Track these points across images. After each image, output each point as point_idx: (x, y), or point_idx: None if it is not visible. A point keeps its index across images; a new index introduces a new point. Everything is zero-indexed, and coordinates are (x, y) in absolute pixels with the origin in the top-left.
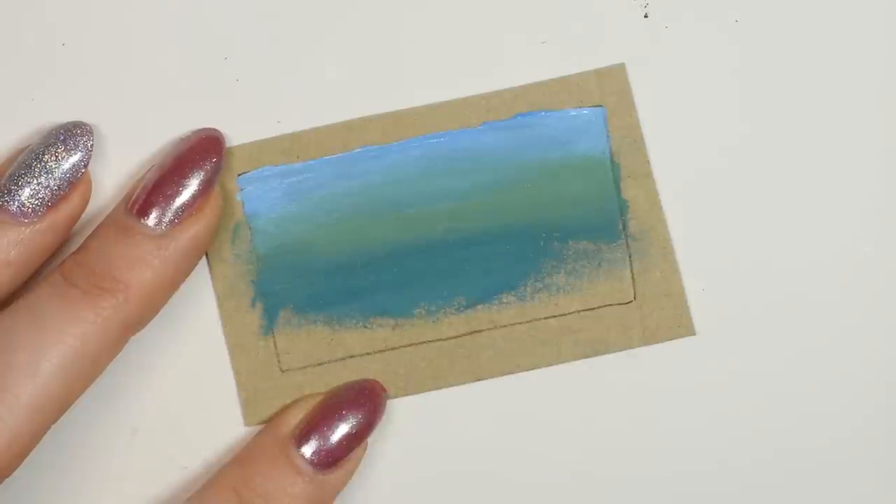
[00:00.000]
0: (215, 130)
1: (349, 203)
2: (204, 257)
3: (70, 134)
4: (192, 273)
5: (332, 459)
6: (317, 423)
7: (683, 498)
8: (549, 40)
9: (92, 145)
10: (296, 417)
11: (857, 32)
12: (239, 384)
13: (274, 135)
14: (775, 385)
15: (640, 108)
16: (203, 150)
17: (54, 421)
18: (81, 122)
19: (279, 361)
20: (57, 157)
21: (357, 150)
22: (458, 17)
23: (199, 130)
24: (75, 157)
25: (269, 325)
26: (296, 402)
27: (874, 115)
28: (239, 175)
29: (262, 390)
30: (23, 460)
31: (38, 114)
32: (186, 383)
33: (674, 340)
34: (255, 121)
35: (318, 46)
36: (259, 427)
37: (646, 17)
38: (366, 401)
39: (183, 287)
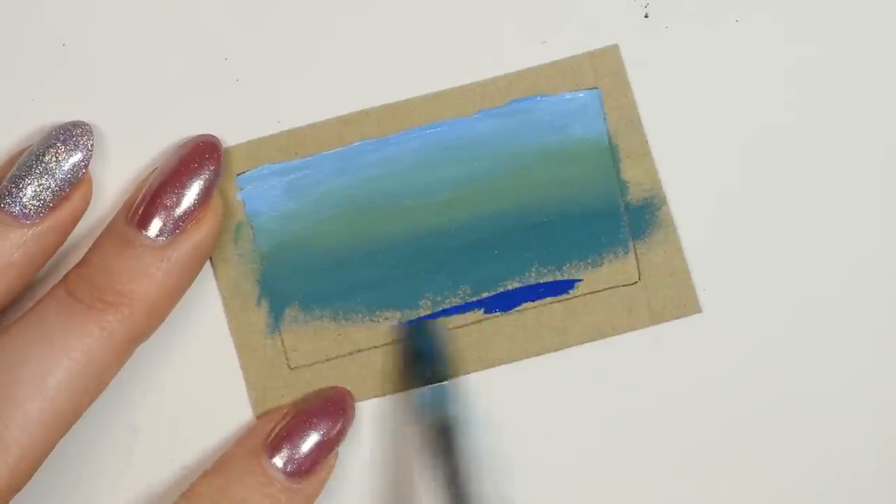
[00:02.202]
0: (212, 136)
1: (349, 197)
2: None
3: (70, 134)
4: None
5: (303, 469)
6: (288, 433)
7: (691, 475)
8: (549, 40)
9: (92, 145)
10: (268, 427)
11: (857, 32)
12: (248, 384)
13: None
14: (779, 366)
15: (641, 108)
16: (200, 156)
17: (62, 436)
18: (81, 121)
19: (287, 359)
20: (57, 157)
21: (354, 143)
22: (457, 17)
23: (196, 137)
24: (76, 157)
25: (275, 323)
26: (269, 412)
27: (875, 114)
28: (238, 175)
29: (271, 389)
30: (31, 476)
31: (38, 114)
32: (189, 384)
33: (679, 320)
34: (255, 121)
35: (318, 46)
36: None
37: (646, 17)
38: (334, 409)
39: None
